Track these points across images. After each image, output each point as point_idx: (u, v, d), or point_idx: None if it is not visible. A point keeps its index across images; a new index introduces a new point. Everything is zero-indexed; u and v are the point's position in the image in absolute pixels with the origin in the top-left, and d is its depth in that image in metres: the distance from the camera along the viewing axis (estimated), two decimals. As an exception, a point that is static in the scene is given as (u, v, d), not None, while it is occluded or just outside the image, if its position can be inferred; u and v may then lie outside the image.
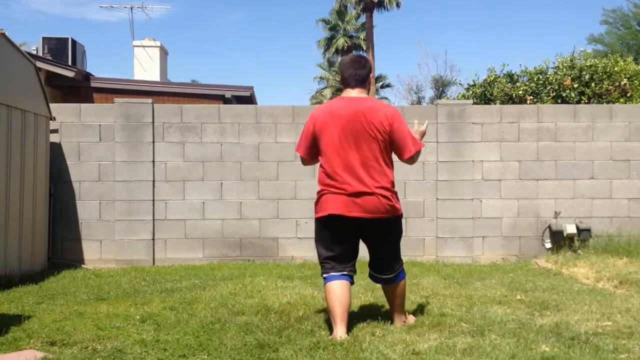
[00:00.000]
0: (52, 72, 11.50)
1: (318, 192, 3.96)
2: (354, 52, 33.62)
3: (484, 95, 10.42)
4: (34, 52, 13.34)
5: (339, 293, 3.81)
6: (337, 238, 3.91)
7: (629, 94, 9.81)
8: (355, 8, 30.45)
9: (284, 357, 3.37)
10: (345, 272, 3.91)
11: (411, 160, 3.92)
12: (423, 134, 4.11)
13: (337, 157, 3.81)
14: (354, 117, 3.79)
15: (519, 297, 5.08)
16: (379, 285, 5.58)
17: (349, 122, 3.80)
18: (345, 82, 3.97)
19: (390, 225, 3.94)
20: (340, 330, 3.75)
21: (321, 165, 3.92)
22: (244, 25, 66.68)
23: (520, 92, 9.99)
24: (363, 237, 4.00)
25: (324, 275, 3.94)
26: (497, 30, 54.43)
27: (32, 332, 3.94)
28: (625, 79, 9.79)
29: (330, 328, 3.91)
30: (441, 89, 28.41)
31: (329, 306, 3.86)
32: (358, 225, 3.86)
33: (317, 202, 3.97)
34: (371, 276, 4.14)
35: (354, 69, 3.95)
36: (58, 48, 14.32)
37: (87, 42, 49.01)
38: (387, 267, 4.04)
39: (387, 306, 4.66)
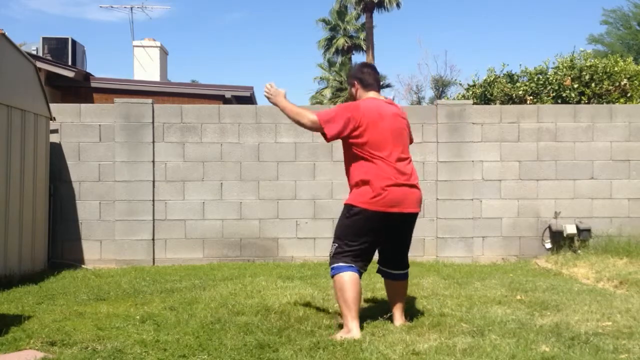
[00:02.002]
0: (52, 72, 11.51)
1: (367, 187, 3.90)
2: (354, 52, 33.65)
3: (484, 95, 10.41)
4: (34, 52, 13.33)
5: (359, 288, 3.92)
6: (378, 233, 4.00)
7: (629, 94, 9.80)
8: (355, 8, 30.46)
9: (284, 357, 3.37)
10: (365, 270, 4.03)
11: None
12: None
13: (389, 153, 3.93)
14: (395, 117, 4.05)
15: (519, 297, 5.08)
16: (379, 285, 5.61)
17: (393, 122, 4.02)
18: (372, 87, 4.16)
19: (416, 219, 4.15)
20: (358, 329, 3.82)
21: (368, 160, 3.92)
22: (244, 25, 66.68)
23: (520, 92, 9.98)
24: (392, 233, 4.04)
25: (350, 264, 3.89)
26: (497, 30, 54.46)
27: (32, 332, 3.94)
28: (625, 79, 9.78)
29: (328, 327, 3.92)
30: (441, 89, 28.38)
31: (350, 299, 3.82)
32: (399, 220, 3.98)
33: (369, 195, 3.89)
34: (388, 274, 4.19)
35: (376, 74, 4.22)
36: (58, 48, 14.31)
37: (87, 42, 49.02)
38: (405, 262, 4.22)
39: (388, 306, 4.66)
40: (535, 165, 7.92)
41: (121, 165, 7.75)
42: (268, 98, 4.14)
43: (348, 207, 3.96)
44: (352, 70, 4.28)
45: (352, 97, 4.19)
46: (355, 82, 4.15)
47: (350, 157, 4.01)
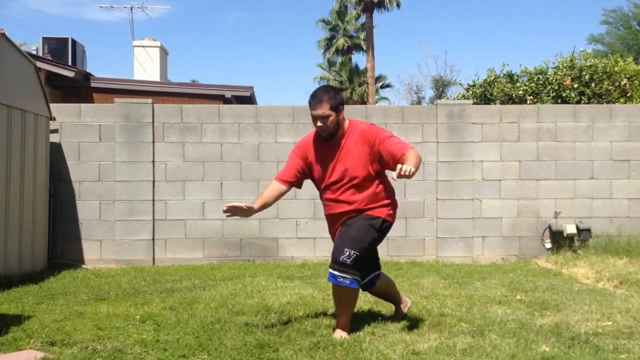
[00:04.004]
0: (52, 72, 11.50)
1: (393, 202, 4.03)
2: (353, 52, 33.64)
3: (484, 95, 10.41)
4: (34, 52, 13.33)
5: None
6: None
7: (629, 94, 9.81)
8: (355, 8, 30.41)
9: (284, 357, 3.37)
10: None
11: None
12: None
13: None
14: None
15: (519, 297, 5.09)
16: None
17: None
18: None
19: None
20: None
21: (386, 178, 4.02)
22: (244, 25, 66.69)
23: (520, 92, 9.99)
24: None
25: (359, 279, 3.89)
26: (497, 30, 54.46)
27: (32, 332, 3.94)
28: (625, 79, 9.78)
29: (328, 327, 3.93)
30: (441, 89, 28.40)
31: (353, 309, 3.98)
32: None
33: (394, 210, 4.03)
34: (375, 277, 4.17)
35: None
36: (58, 48, 14.31)
37: (87, 42, 48.93)
38: None
39: (386, 306, 4.67)
40: (535, 165, 7.92)
41: (121, 165, 7.75)
42: (408, 175, 3.50)
43: (381, 222, 3.90)
44: (334, 96, 3.89)
45: (334, 124, 3.85)
46: (341, 109, 3.91)
47: (379, 175, 3.93)
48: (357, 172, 3.86)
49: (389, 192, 4.01)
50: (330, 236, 4.14)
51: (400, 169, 3.47)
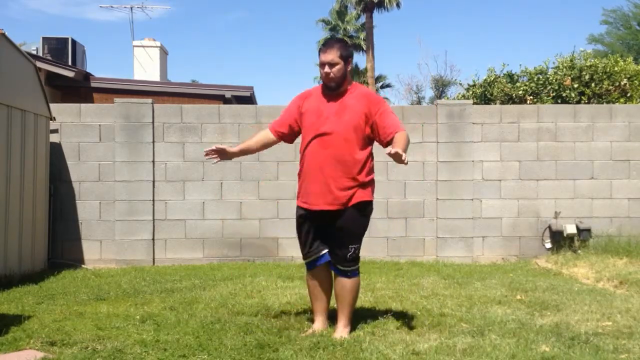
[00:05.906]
0: (52, 72, 11.50)
1: (372, 179, 3.97)
2: (352, 51, 33.62)
3: (484, 95, 10.41)
4: (34, 52, 13.33)
5: None
6: None
7: (629, 94, 9.81)
8: (355, 8, 30.41)
9: (284, 357, 3.37)
10: None
11: None
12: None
13: None
14: None
15: (519, 297, 5.09)
16: (379, 285, 5.61)
17: None
18: None
19: None
20: None
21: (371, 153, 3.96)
22: (244, 25, 66.67)
23: (520, 92, 9.99)
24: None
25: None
26: (497, 30, 54.45)
27: (32, 332, 3.94)
28: (625, 79, 9.78)
29: (328, 327, 3.93)
30: (441, 89, 28.41)
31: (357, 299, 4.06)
32: None
33: (373, 188, 4.00)
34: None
35: None
36: (58, 48, 14.31)
37: (87, 42, 48.96)
38: None
39: (386, 306, 4.67)
40: (535, 165, 7.91)
41: (121, 165, 7.75)
42: (401, 158, 3.48)
43: (368, 204, 3.93)
44: (345, 46, 3.90)
45: (341, 73, 3.84)
46: (350, 61, 3.92)
47: (370, 142, 3.92)
48: (351, 128, 3.82)
49: (372, 170, 3.96)
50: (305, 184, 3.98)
51: (400, 156, 3.46)
